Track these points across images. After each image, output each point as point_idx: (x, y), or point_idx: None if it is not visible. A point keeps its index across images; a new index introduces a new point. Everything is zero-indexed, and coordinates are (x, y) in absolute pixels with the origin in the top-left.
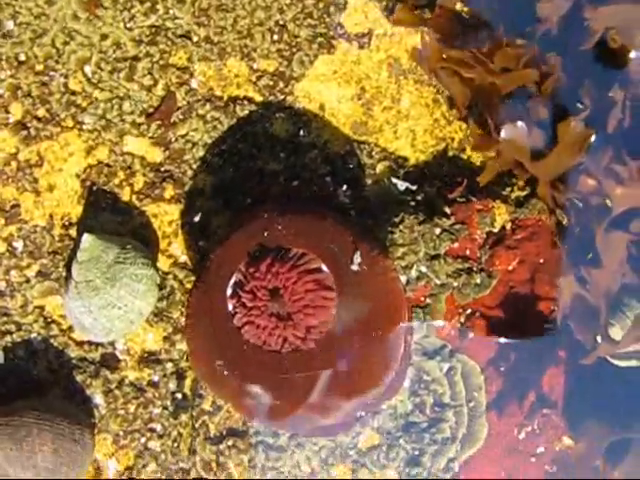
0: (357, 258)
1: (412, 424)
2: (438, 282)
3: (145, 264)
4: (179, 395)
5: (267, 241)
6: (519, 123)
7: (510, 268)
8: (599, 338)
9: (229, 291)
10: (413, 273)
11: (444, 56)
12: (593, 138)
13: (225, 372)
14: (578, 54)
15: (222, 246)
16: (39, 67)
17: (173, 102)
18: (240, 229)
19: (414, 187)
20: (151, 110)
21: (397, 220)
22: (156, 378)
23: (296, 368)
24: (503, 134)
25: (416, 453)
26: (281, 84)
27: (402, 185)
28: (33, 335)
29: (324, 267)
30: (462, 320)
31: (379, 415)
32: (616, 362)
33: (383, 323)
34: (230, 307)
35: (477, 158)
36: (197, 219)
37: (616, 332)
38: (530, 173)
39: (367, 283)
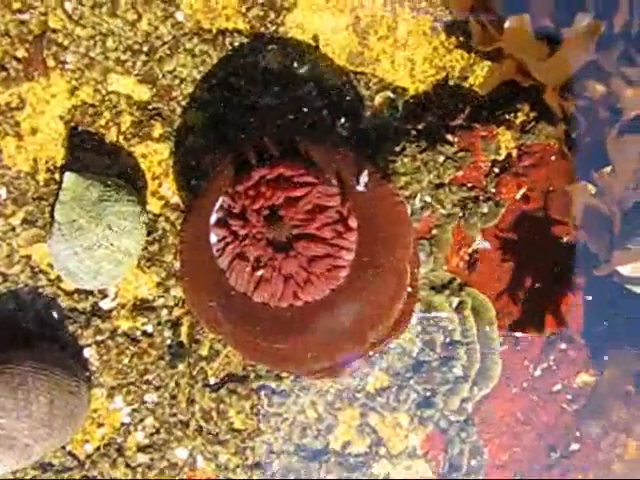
0: (364, 177)
1: (422, 363)
2: (444, 212)
3: (130, 201)
4: (175, 343)
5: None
6: (524, 14)
7: (518, 196)
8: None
9: (214, 218)
10: (417, 203)
11: None
12: (602, 30)
13: (218, 314)
14: None
15: (213, 174)
16: (17, 5)
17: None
18: (231, 154)
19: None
20: (136, 46)
21: (398, 149)
22: (150, 327)
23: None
24: (507, 24)
25: (428, 394)
26: (272, 15)
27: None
28: (20, 286)
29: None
30: (470, 252)
31: (387, 355)
32: (635, 289)
33: (391, 249)
34: (214, 239)
35: (479, 83)
36: (188, 157)
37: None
38: (534, 80)
39: (372, 206)
